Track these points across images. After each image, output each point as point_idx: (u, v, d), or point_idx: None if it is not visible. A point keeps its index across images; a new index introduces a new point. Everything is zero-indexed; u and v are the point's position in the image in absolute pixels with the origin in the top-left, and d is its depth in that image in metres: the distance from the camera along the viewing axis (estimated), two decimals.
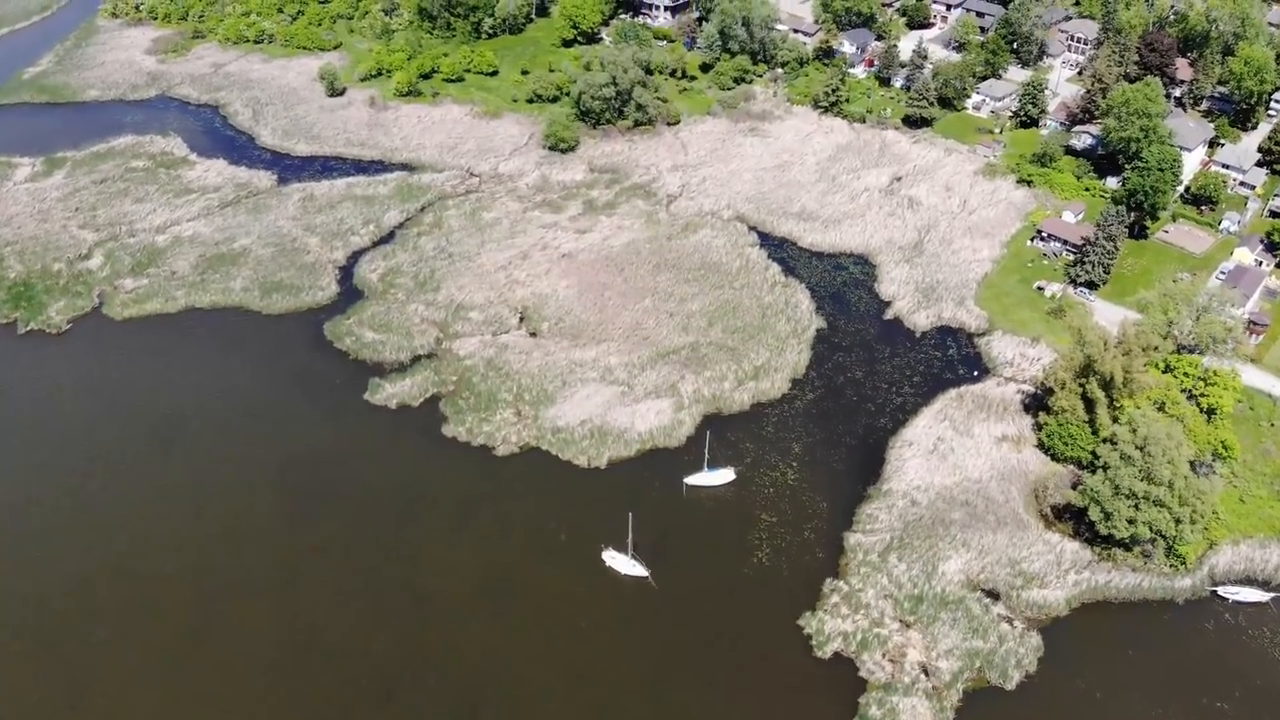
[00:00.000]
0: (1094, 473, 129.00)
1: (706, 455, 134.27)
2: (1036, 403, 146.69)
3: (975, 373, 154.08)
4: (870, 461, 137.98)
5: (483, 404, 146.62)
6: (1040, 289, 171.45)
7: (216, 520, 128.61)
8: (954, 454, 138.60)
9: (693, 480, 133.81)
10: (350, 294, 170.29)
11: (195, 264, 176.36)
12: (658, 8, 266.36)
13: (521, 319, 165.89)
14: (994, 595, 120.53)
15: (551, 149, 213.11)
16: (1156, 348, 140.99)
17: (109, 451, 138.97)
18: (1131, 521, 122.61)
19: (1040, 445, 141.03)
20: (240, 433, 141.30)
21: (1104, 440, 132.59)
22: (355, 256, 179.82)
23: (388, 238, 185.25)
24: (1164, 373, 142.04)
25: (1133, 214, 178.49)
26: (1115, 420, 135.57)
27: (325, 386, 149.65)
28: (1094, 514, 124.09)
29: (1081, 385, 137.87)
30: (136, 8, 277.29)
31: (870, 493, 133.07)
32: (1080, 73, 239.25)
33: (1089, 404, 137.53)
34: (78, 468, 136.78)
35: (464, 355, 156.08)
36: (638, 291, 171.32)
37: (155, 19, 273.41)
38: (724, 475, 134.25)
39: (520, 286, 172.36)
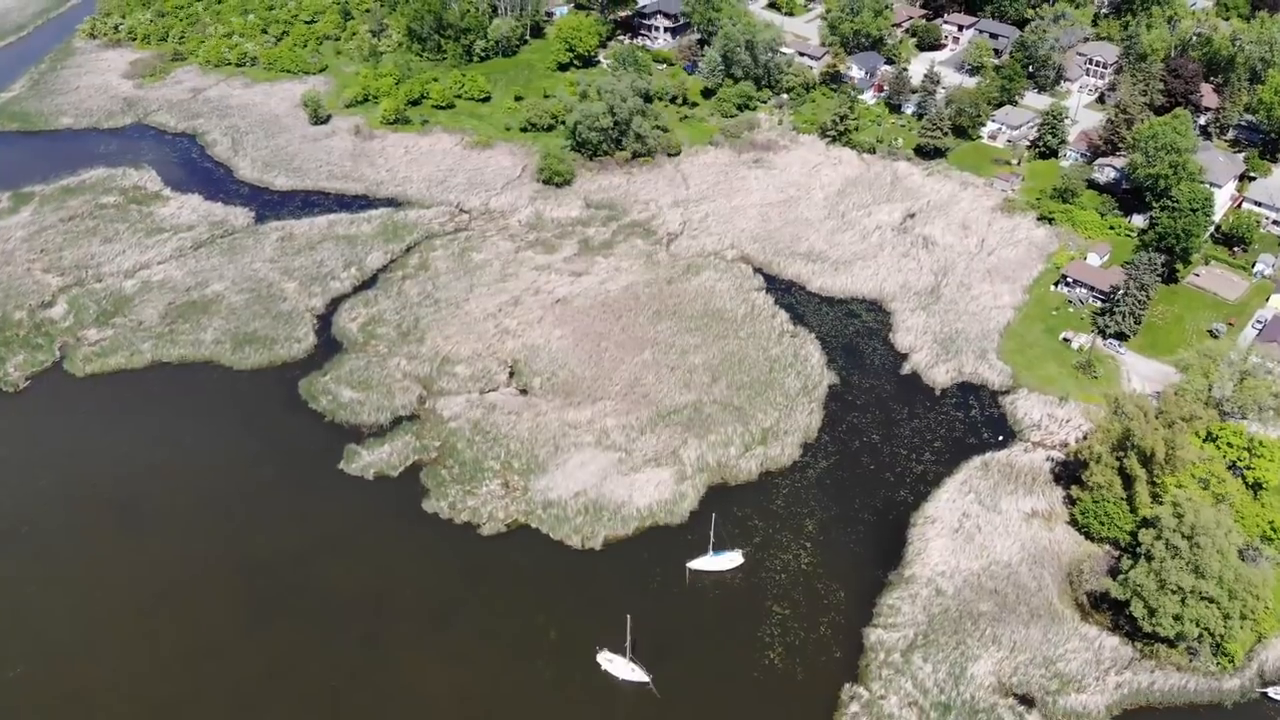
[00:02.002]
0: (1133, 555, 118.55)
1: (712, 538, 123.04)
2: (1067, 472, 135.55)
3: (1000, 437, 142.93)
4: (890, 541, 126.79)
5: (468, 474, 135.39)
6: (1066, 340, 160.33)
7: (163, 631, 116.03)
8: (981, 533, 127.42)
9: (697, 565, 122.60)
10: (328, 346, 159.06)
11: (164, 313, 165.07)
12: (657, 29, 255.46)
13: (511, 374, 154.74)
14: (1028, 702, 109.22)
15: (546, 182, 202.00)
16: (1199, 416, 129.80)
17: (53, 539, 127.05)
18: (1178, 618, 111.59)
19: (1073, 521, 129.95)
20: (199, 516, 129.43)
21: (1143, 521, 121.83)
22: (335, 303, 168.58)
23: (370, 282, 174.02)
24: (1206, 441, 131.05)
25: (1162, 257, 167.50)
26: (1155, 498, 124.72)
27: (297, 456, 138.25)
28: (1137, 610, 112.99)
29: (1119, 459, 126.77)
30: (115, 28, 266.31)
31: (891, 579, 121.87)
32: (1100, 99, 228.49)
33: (1126, 479, 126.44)
34: (15, 557, 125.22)
35: (448, 416, 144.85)
36: (636, 342, 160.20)
37: (134, 40, 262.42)
38: (731, 559, 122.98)
39: (510, 336, 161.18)
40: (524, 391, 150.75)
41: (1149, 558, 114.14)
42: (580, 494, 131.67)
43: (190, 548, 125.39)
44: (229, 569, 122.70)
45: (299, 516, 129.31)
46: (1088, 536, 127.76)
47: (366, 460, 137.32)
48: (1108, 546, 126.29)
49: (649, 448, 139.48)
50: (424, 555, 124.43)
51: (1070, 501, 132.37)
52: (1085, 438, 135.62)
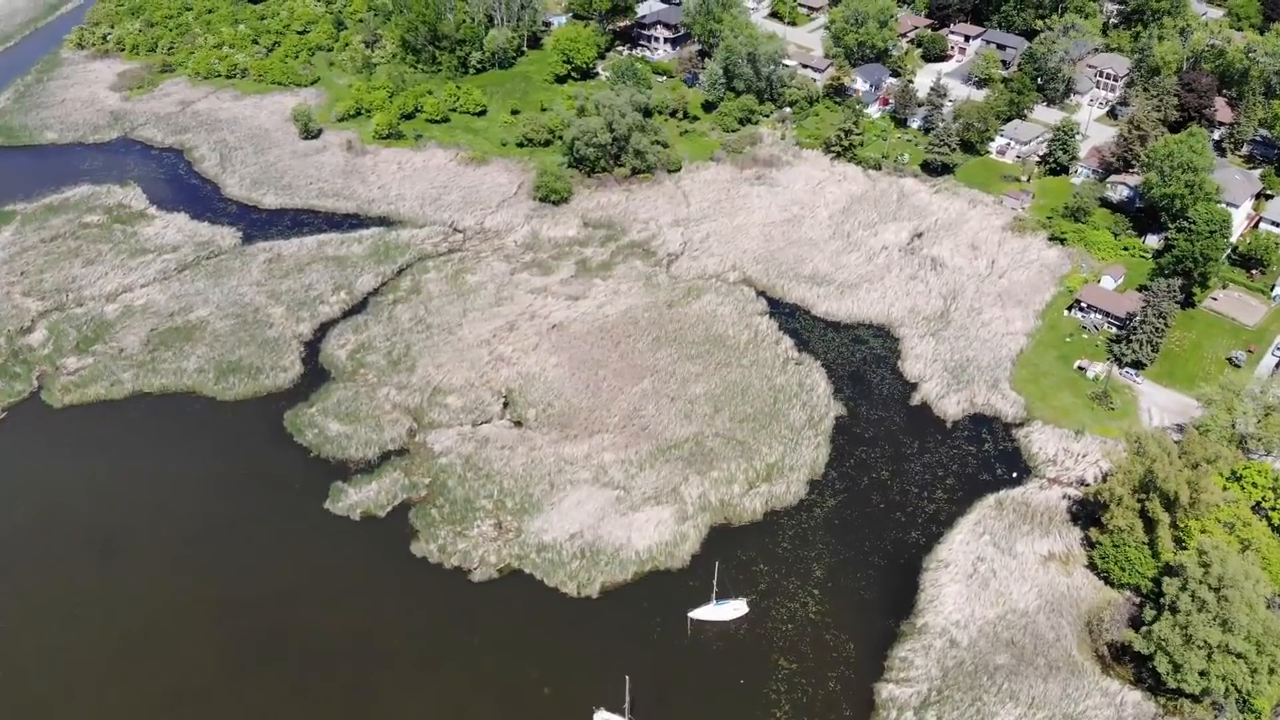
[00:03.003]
0: (1155, 604, 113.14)
1: (715, 586, 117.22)
2: (1085, 511, 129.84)
3: (1014, 474, 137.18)
4: (902, 587, 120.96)
5: (458, 514, 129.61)
6: (1081, 369, 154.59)
7: (145, 672, 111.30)
8: (996, 578, 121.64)
9: (699, 615, 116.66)
10: (315, 375, 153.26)
11: (146, 339, 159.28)
12: (657, 40, 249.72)
13: (505, 404, 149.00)
14: None
15: (542, 200, 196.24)
16: (1223, 456, 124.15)
17: (29, 578, 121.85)
18: (1204, 674, 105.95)
19: (1091, 565, 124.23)
20: (181, 556, 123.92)
21: (1166, 567, 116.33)
22: (323, 329, 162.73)
23: (360, 306, 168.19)
24: (1230, 480, 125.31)
25: (1180, 280, 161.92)
26: (1179, 542, 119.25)
27: (281, 493, 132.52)
28: (1161, 665, 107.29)
29: (1140, 501, 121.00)
30: (103, 38, 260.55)
31: (904, 629, 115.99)
32: (1111, 112, 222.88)
33: (1148, 522, 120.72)
34: None
35: (439, 451, 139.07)
36: (635, 370, 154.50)
37: (123, 50, 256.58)
38: (735, 608, 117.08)
39: (505, 364, 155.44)
40: (518, 423, 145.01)
41: (1174, 610, 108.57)
42: (576, 536, 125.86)
43: (168, 591, 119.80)
44: (209, 615, 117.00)
45: (282, 560, 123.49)
46: (1107, 582, 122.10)
47: (353, 499, 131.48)
48: (1128, 593, 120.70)
49: (648, 485, 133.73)
50: (412, 603, 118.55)
51: (1088, 543, 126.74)
52: (1105, 478, 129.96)
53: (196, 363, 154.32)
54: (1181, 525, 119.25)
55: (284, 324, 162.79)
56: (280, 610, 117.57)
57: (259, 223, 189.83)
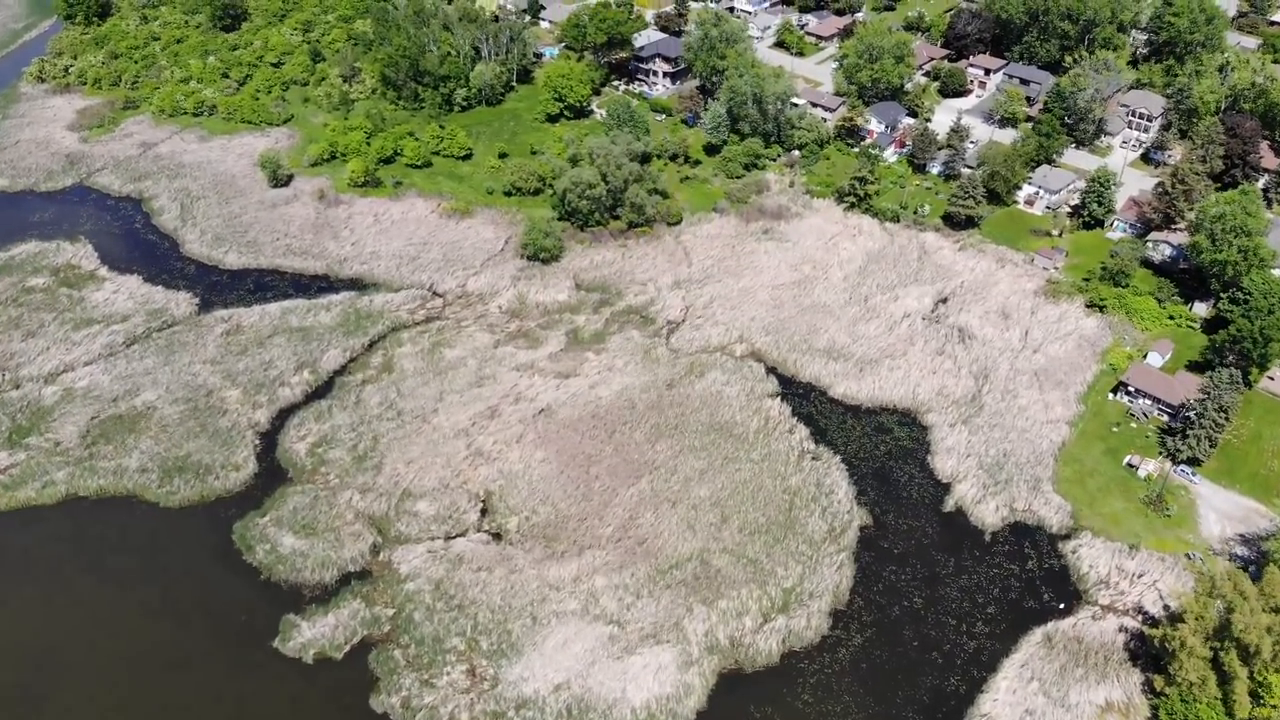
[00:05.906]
0: None
1: None
2: (1144, 648, 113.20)
3: (1062, 604, 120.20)
4: None
5: (426, 656, 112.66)
6: (1132, 467, 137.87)
7: None
8: None
9: None
10: (271, 474, 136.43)
11: (85, 431, 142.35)
12: (655, 74, 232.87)
13: (484, 510, 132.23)
14: None
15: (531, 259, 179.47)
16: None
17: None
18: None
19: (1154, 718, 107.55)
20: (106, 707, 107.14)
21: None
22: (283, 416, 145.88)
23: (325, 388, 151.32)
24: None
25: (1235, 358, 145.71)
26: (1255, 697, 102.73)
27: (226, 628, 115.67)
28: None
29: (1214, 650, 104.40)
30: (65, 70, 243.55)
31: None
32: (1144, 156, 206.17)
33: (1221, 674, 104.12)
34: None
35: (406, 574, 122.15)
36: (631, 467, 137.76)
37: (85, 85, 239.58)
38: None
39: (484, 461, 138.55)
40: (497, 536, 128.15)
41: None
42: (562, 687, 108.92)
43: None
44: None
45: (221, 714, 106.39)
46: None
47: (306, 637, 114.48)
48: None
49: (646, 618, 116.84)
50: None
51: (1150, 688, 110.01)
52: (1167, 611, 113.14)
53: (139, 460, 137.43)
54: (1259, 678, 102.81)
55: (239, 410, 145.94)
56: None
57: (219, 286, 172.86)
